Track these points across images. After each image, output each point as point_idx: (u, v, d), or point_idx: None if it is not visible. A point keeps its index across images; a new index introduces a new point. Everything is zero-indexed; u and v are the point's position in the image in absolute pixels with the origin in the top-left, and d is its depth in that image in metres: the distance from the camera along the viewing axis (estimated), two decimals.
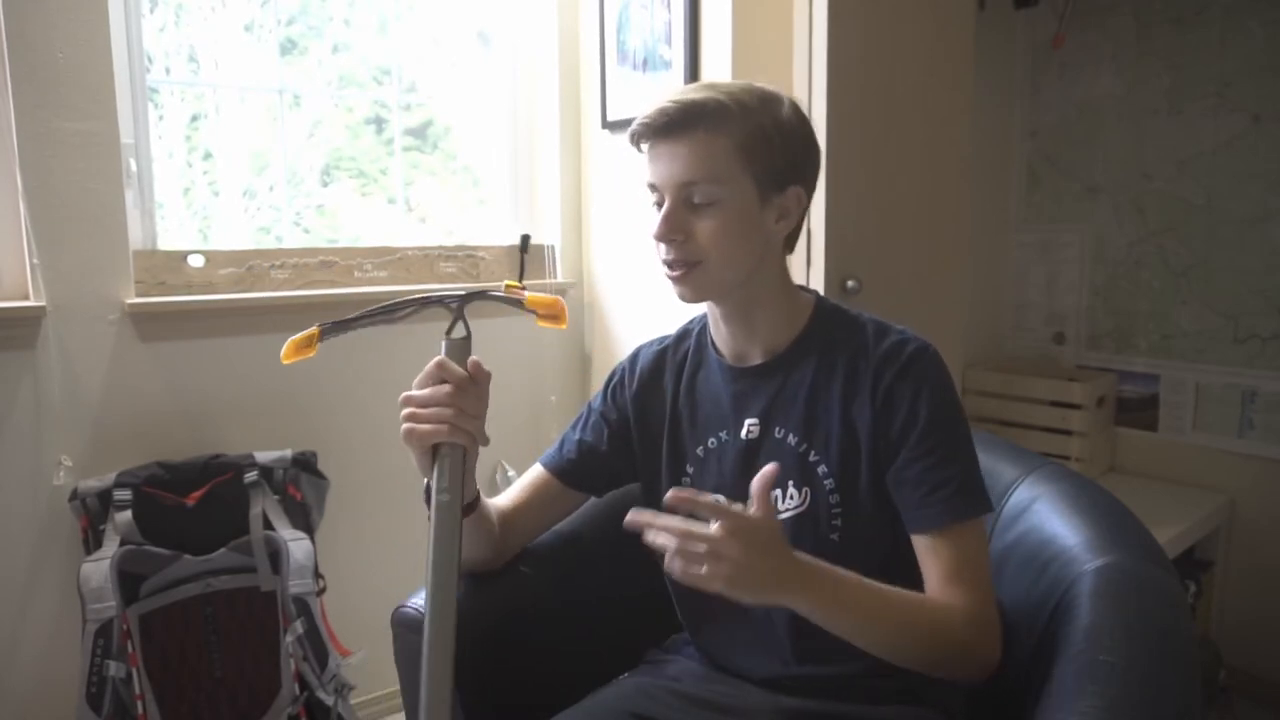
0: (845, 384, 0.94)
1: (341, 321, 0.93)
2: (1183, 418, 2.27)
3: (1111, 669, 0.79)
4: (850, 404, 0.94)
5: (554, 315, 0.95)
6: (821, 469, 0.95)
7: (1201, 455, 2.23)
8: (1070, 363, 2.48)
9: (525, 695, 0.90)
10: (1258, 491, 2.15)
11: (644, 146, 0.94)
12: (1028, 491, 1.09)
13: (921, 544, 0.90)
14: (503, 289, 0.96)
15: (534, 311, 0.96)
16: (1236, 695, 2.12)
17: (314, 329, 0.91)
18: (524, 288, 0.97)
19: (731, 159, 0.91)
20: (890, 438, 0.91)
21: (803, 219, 1.00)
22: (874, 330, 0.96)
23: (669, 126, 0.91)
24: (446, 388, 0.89)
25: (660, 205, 0.94)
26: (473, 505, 1.00)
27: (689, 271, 0.93)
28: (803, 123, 0.96)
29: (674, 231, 0.92)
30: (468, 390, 0.90)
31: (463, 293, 0.93)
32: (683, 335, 1.11)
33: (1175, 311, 2.27)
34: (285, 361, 0.92)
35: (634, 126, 0.93)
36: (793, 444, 0.96)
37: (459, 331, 0.92)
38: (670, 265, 0.94)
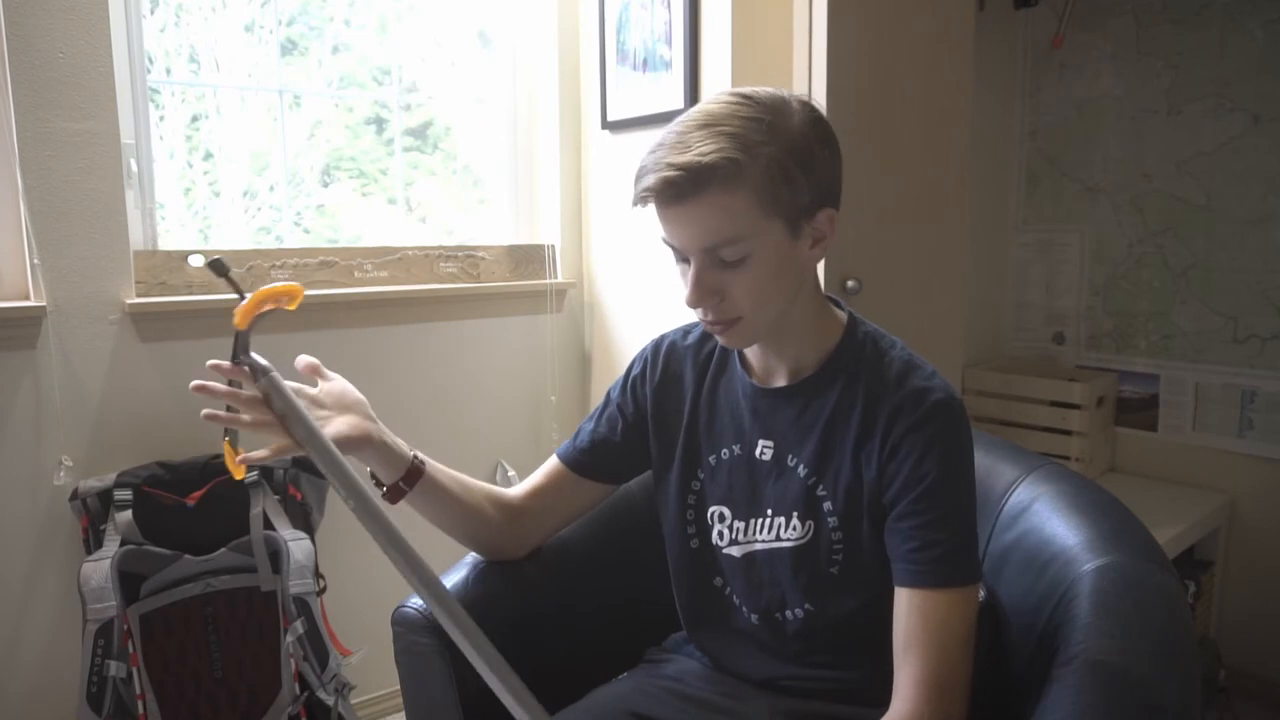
0: (861, 424, 0.91)
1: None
2: (1182, 418, 2.27)
3: (1111, 669, 0.79)
4: (861, 448, 0.90)
5: (291, 295, 0.90)
6: (827, 505, 0.93)
7: (1201, 455, 2.24)
8: (1070, 363, 2.49)
9: None
10: (1258, 491, 2.15)
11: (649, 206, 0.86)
12: (1027, 491, 1.09)
13: (899, 597, 0.87)
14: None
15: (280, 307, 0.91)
16: (1236, 695, 2.12)
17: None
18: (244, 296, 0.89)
19: (753, 210, 0.82)
20: (892, 491, 0.88)
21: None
22: (900, 369, 0.91)
23: (678, 196, 0.81)
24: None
25: (683, 260, 0.87)
26: (417, 471, 1.00)
27: (729, 327, 0.89)
28: (815, 132, 0.85)
29: (706, 296, 0.86)
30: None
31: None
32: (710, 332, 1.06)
33: (1175, 311, 2.27)
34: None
35: (639, 191, 0.83)
36: (802, 475, 0.94)
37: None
38: (709, 324, 0.90)
